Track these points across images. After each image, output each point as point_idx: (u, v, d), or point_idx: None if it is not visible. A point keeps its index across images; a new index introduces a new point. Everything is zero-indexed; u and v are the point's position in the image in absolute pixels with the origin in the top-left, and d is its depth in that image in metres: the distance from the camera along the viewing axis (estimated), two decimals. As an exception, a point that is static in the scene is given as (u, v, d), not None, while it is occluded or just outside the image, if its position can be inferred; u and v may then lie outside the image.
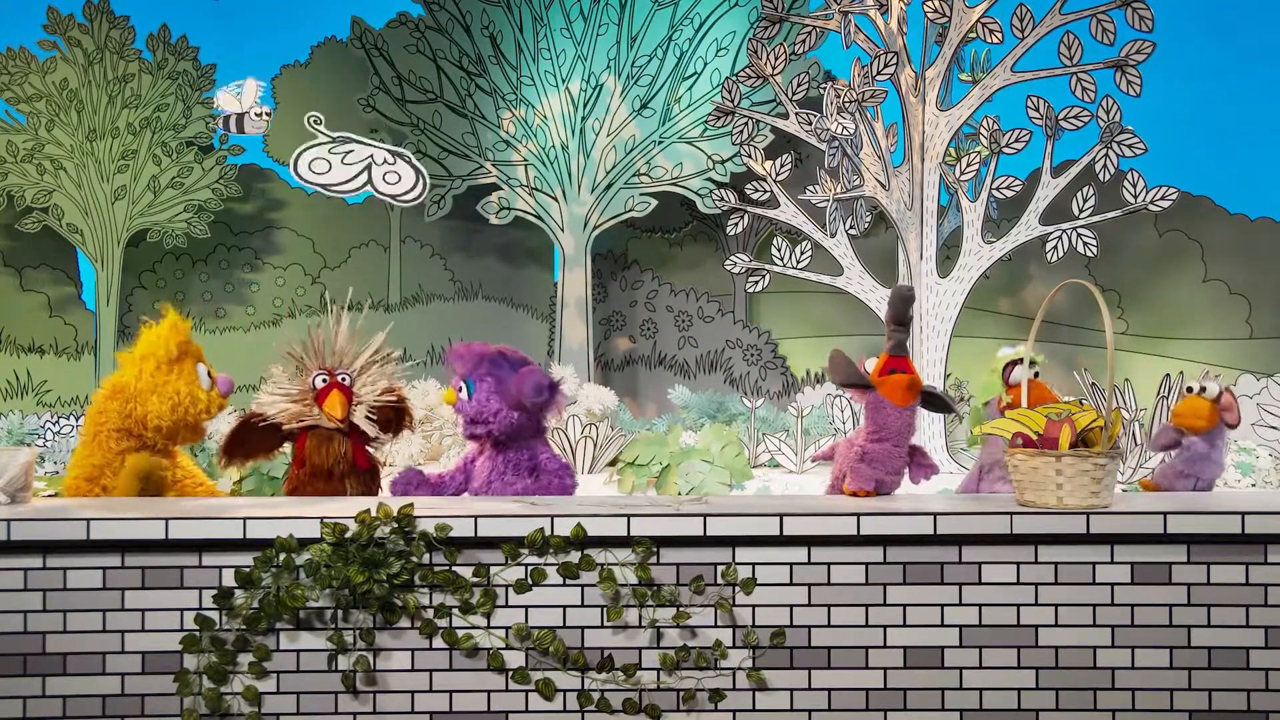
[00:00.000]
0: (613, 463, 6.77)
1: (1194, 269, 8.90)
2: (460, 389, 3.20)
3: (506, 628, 2.50)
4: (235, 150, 8.88)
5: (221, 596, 2.46)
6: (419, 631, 2.49)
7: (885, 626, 2.53)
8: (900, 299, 2.98)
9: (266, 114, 7.71)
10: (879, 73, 7.13)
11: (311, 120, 8.20)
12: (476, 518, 2.49)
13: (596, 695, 2.50)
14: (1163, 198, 7.10)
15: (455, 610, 2.49)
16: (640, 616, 2.50)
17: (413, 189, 7.83)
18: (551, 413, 3.25)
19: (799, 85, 7.73)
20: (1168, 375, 6.77)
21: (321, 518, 2.47)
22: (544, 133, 8.97)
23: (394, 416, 3.44)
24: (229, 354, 8.15)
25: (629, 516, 2.50)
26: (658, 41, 8.91)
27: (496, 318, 9.65)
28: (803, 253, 7.75)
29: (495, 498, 3.12)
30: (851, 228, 7.84)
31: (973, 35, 7.26)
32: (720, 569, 2.51)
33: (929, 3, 7.23)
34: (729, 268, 8.13)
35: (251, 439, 3.38)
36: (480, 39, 8.96)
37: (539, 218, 9.03)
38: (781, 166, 7.86)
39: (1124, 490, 4.52)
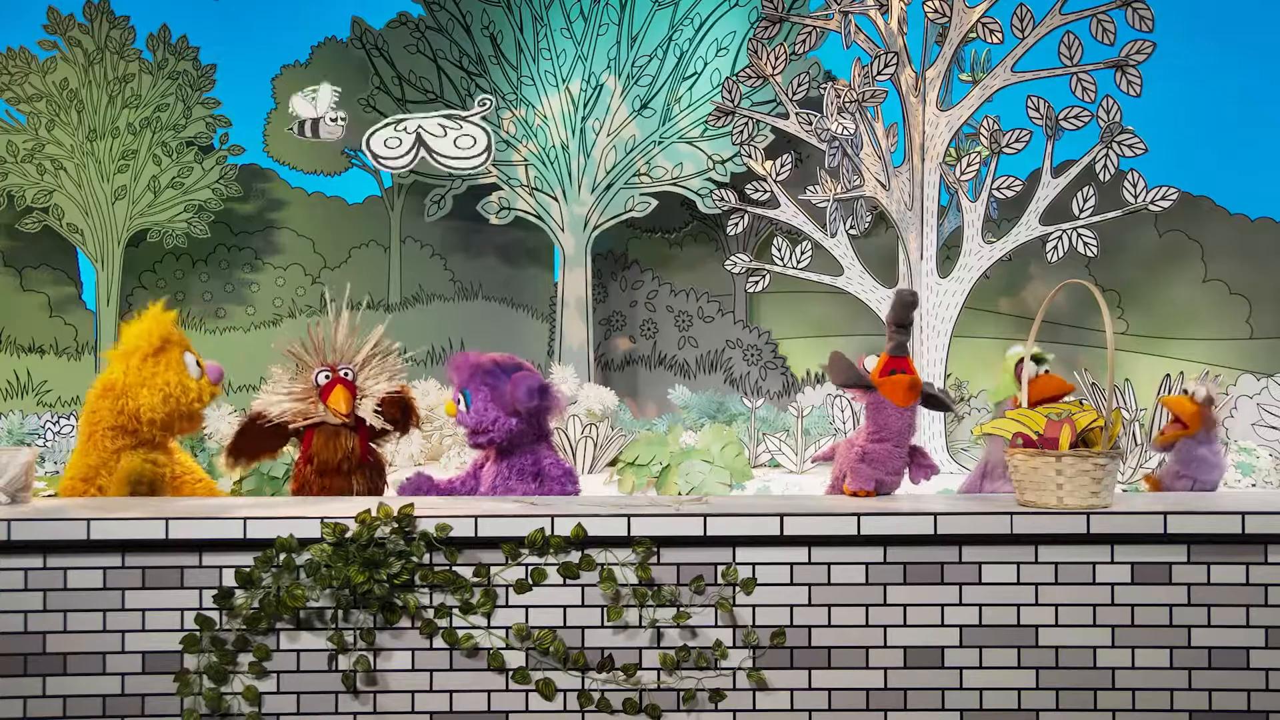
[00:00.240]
0: (613, 463, 6.77)
1: (1194, 269, 8.90)
2: (459, 401, 3.22)
3: (507, 628, 2.50)
4: (235, 150, 8.89)
5: (222, 596, 2.46)
6: (419, 631, 2.49)
7: (885, 626, 2.53)
8: (903, 304, 2.97)
9: (342, 119, 7.61)
10: (879, 73, 7.13)
11: (366, 101, 8.11)
12: (476, 518, 2.49)
13: (597, 695, 2.50)
14: (1163, 198, 7.10)
15: (455, 610, 2.49)
16: (640, 616, 2.50)
17: (483, 152, 7.71)
18: (550, 415, 3.27)
19: (799, 85, 7.73)
20: (1168, 375, 6.77)
21: (322, 518, 2.47)
22: (544, 133, 8.97)
23: (401, 415, 3.44)
24: (229, 354, 8.13)
25: (629, 516, 2.50)
26: (658, 41, 8.91)
27: (496, 318, 9.65)
28: (803, 253, 7.75)
29: (495, 498, 3.13)
30: (851, 228, 7.84)
31: (973, 35, 7.26)
32: (720, 569, 2.51)
33: (929, 3, 7.23)
34: (729, 268, 8.13)
35: (256, 439, 3.39)
36: (480, 39, 8.96)
37: (539, 218, 9.03)
38: (781, 166, 7.86)
39: (1124, 490, 4.52)
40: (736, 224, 7.99)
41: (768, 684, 2.52)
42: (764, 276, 7.90)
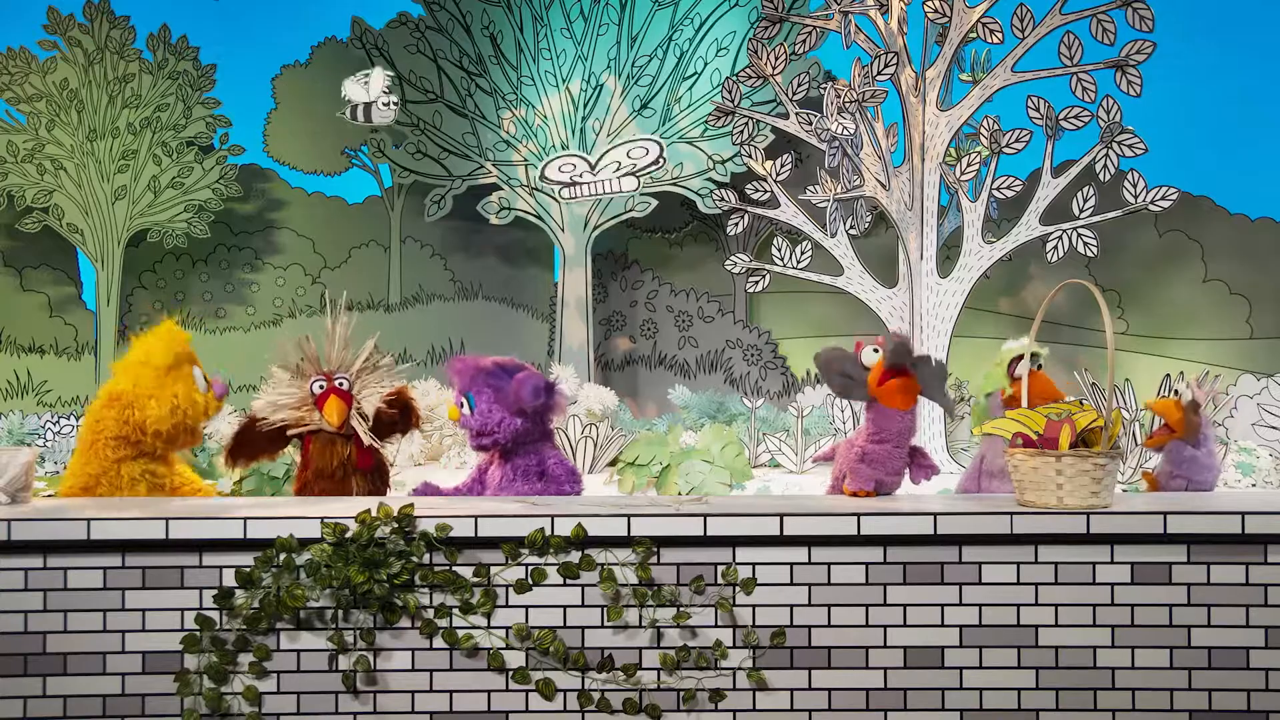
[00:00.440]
0: (613, 463, 6.77)
1: (1194, 269, 8.90)
2: (461, 404, 3.22)
3: (507, 628, 2.50)
4: (235, 150, 8.89)
5: (222, 596, 2.46)
6: (419, 631, 2.49)
7: (885, 626, 2.53)
8: (899, 350, 2.87)
9: (395, 103, 7.55)
10: (879, 73, 7.13)
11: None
12: (476, 518, 2.49)
13: (597, 695, 2.50)
14: (1163, 198, 7.10)
15: (455, 610, 2.49)
16: (640, 616, 2.50)
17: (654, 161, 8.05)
18: (553, 413, 3.27)
19: (799, 85, 7.73)
20: (1168, 375, 6.78)
21: (322, 518, 2.47)
22: (544, 133, 8.97)
23: (400, 417, 3.45)
24: (229, 354, 8.16)
25: (629, 516, 2.50)
26: (658, 41, 8.91)
27: (496, 318, 9.65)
28: (803, 253, 7.75)
29: (495, 498, 3.13)
30: (851, 228, 7.84)
31: (973, 35, 7.26)
32: (720, 569, 2.51)
33: (929, 3, 7.23)
34: (729, 268, 8.13)
35: (255, 441, 3.40)
36: (480, 39, 8.96)
37: (539, 218, 9.03)
38: (781, 166, 7.86)
39: (1124, 490, 4.52)
40: (736, 224, 7.99)
41: (768, 684, 2.52)
42: (764, 276, 7.90)
